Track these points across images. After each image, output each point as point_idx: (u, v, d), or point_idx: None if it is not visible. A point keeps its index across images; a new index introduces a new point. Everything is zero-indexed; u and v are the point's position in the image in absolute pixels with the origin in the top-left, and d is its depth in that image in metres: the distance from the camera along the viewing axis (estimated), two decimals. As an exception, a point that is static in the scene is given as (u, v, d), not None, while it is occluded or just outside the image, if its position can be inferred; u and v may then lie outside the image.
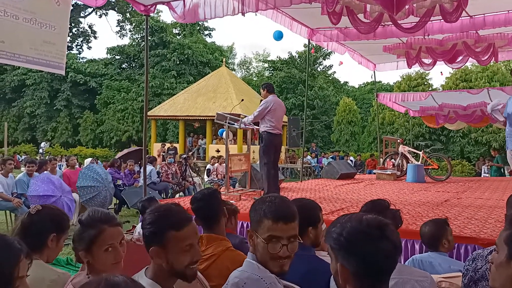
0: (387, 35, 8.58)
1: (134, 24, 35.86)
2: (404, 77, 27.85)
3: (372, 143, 27.51)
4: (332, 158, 21.56)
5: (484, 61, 9.42)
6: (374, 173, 11.96)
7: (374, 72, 12.96)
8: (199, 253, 1.86)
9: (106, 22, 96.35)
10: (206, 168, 13.58)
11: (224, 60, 28.02)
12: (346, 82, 39.54)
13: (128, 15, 38.28)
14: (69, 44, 36.94)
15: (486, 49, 8.93)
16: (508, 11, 7.53)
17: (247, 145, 8.58)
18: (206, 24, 38.61)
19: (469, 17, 7.91)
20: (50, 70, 5.73)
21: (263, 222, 1.88)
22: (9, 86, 34.22)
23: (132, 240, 3.83)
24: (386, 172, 10.93)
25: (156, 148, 22.11)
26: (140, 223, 4.83)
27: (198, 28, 37.92)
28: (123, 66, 36.88)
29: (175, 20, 7.59)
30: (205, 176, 13.27)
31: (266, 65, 39.50)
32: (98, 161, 18.79)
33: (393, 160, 12.07)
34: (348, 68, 65.82)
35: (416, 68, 10.64)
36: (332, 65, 36.72)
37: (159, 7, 7.59)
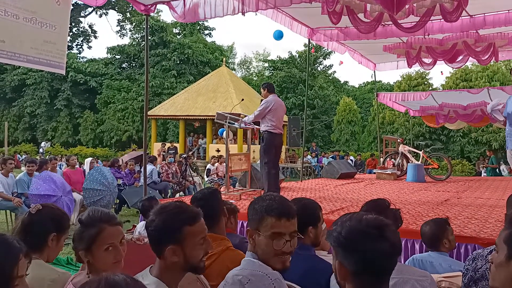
0: (387, 35, 8.58)
1: (134, 23, 35.85)
2: (404, 76, 27.85)
3: (372, 143, 27.51)
4: (332, 157, 21.56)
5: (484, 61, 9.42)
6: (374, 173, 11.96)
7: (374, 71, 12.95)
8: (210, 244, 1.90)
9: (106, 22, 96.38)
10: (206, 168, 13.58)
11: (224, 59, 28.01)
12: (346, 82, 39.55)
13: (128, 14, 38.27)
14: (69, 44, 36.94)
15: (486, 48, 8.93)
16: (508, 10, 7.53)
17: (247, 145, 8.58)
18: (206, 23, 38.65)
19: (469, 17, 7.91)
20: (50, 69, 5.73)
21: (266, 220, 1.91)
22: (10, 86, 34.21)
23: (132, 239, 3.82)
24: (386, 172, 10.93)
25: (156, 147, 22.11)
26: (141, 222, 4.84)
27: (198, 27, 37.91)
28: (123, 65, 36.87)
29: (175, 20, 7.61)
30: (205, 176, 13.27)
31: (266, 64, 39.48)
32: (99, 160, 18.77)
33: (393, 159, 12.05)
34: (348, 67, 65.85)
35: (416, 67, 10.65)
36: (332, 64, 36.75)
37: (159, 6, 7.58)
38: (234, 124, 7.13)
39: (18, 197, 7.36)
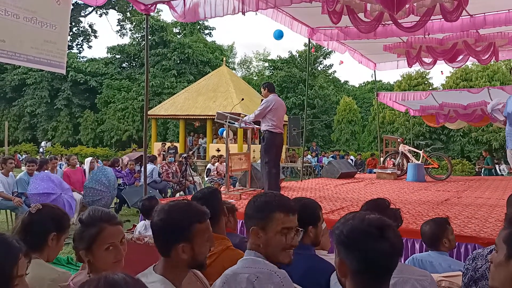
0: (387, 34, 8.58)
1: (134, 23, 35.85)
2: (405, 76, 27.87)
3: (372, 142, 27.51)
4: (332, 157, 21.56)
5: (484, 60, 9.41)
6: (375, 172, 11.96)
7: (375, 71, 12.95)
8: (214, 241, 1.96)
9: (106, 21, 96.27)
10: (206, 167, 13.58)
11: (224, 59, 27.99)
12: (347, 81, 39.59)
13: (128, 14, 38.26)
14: (70, 44, 36.92)
15: (486, 48, 8.93)
16: (508, 10, 7.52)
17: (248, 144, 8.58)
18: (206, 23, 38.65)
19: (469, 16, 7.91)
20: (51, 69, 5.73)
21: (274, 216, 1.95)
22: (10, 86, 34.22)
23: (133, 239, 3.83)
24: (387, 171, 10.93)
25: (156, 147, 22.11)
26: (142, 222, 4.83)
27: (198, 27, 37.91)
28: (124, 65, 36.87)
29: (175, 19, 7.59)
30: (205, 176, 13.27)
31: (266, 64, 39.49)
32: (99, 160, 18.78)
33: (393, 159, 12.06)
34: (349, 67, 65.85)
35: (416, 67, 10.64)
36: (333, 64, 36.71)
37: (159, 6, 7.58)
38: (234, 123, 7.13)
39: (18, 197, 7.37)
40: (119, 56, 36.43)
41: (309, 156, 21.73)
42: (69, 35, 6.41)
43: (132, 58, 36.11)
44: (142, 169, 7.90)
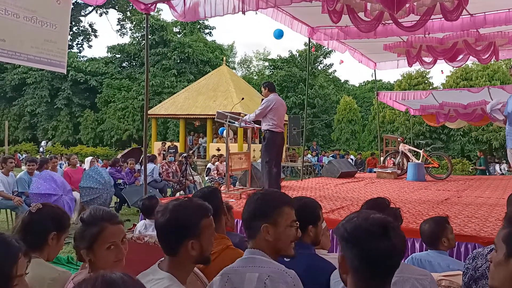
0: (387, 34, 8.58)
1: (134, 22, 35.82)
2: (405, 75, 27.86)
3: (372, 142, 27.51)
4: (332, 156, 21.57)
5: (484, 60, 9.41)
6: (375, 172, 11.96)
7: (375, 70, 12.95)
8: (215, 234, 2.02)
9: (106, 21, 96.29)
10: (206, 167, 13.58)
11: (224, 58, 27.99)
12: (347, 81, 39.61)
13: (128, 13, 38.25)
14: (70, 43, 36.91)
15: (486, 47, 8.93)
16: (508, 9, 7.52)
17: (248, 144, 8.58)
18: (206, 22, 38.62)
19: (469, 16, 7.91)
20: (51, 68, 5.73)
21: (283, 211, 2.00)
22: (10, 85, 34.21)
23: (133, 238, 3.83)
24: (387, 171, 10.93)
25: (156, 146, 22.12)
26: (142, 221, 4.83)
27: (198, 26, 37.88)
28: (124, 64, 36.86)
29: (175, 19, 7.60)
30: (205, 176, 13.28)
31: (266, 63, 39.46)
32: (99, 159, 18.79)
33: (393, 158, 12.05)
34: (349, 66, 65.83)
35: (416, 66, 10.66)
36: (333, 63, 36.67)
37: (159, 5, 7.59)
38: (234, 123, 7.13)
39: (18, 196, 7.37)
40: (119, 56, 36.41)
41: (309, 156, 21.73)
42: (69, 34, 6.40)
43: (132, 58, 36.10)
44: (142, 168, 7.90)
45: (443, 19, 6.91)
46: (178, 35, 35.98)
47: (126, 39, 43.76)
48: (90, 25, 40.66)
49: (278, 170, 6.84)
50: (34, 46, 5.28)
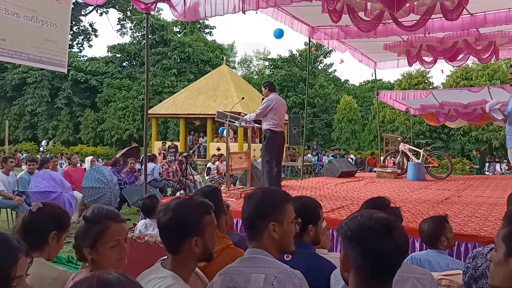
0: (387, 33, 8.57)
1: (134, 22, 35.81)
2: (405, 75, 27.85)
3: (372, 141, 27.51)
4: (332, 156, 21.57)
5: (484, 59, 9.41)
6: (375, 171, 11.96)
7: (375, 70, 12.95)
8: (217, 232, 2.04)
9: (106, 20, 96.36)
10: (207, 166, 13.59)
11: (224, 58, 27.98)
12: (347, 80, 39.57)
13: (128, 13, 38.23)
14: (70, 43, 36.84)
15: (486, 47, 8.93)
16: (509, 9, 7.52)
17: (248, 143, 8.58)
18: (206, 22, 38.61)
19: (469, 15, 7.90)
20: (52, 68, 5.73)
21: (286, 208, 2.01)
22: (10, 85, 34.21)
23: (133, 238, 3.83)
24: (387, 170, 10.93)
25: (157, 146, 22.11)
26: (142, 221, 4.84)
27: (198, 26, 37.87)
28: (124, 64, 36.86)
29: (175, 18, 7.59)
30: (205, 175, 13.28)
31: (266, 63, 39.45)
32: (99, 159, 18.79)
33: (393, 158, 12.05)
34: (349, 66, 65.73)
35: (416, 66, 10.67)
36: (333, 63, 36.64)
37: (159, 5, 7.58)
38: (234, 122, 7.14)
39: (19, 196, 7.37)
40: (119, 55, 36.42)
41: (309, 155, 21.74)
42: (69, 34, 6.40)
43: (132, 57, 36.10)
44: (143, 167, 7.89)
45: (443, 18, 6.91)
46: (178, 35, 35.97)
47: (126, 39, 43.86)
48: (91, 25, 40.74)
49: (278, 170, 6.84)
50: (35, 46, 5.28)
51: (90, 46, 51.54)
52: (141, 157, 10.88)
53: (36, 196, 7.02)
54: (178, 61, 33.15)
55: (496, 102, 6.07)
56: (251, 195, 2.09)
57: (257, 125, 7.40)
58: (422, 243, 3.63)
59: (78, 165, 10.00)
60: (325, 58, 35.61)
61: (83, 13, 39.22)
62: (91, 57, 38.37)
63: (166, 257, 1.98)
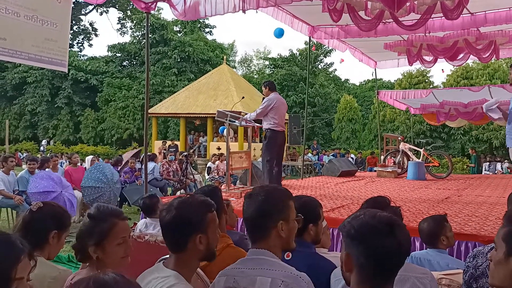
0: (388, 33, 8.57)
1: (135, 21, 35.77)
2: (405, 74, 27.85)
3: (373, 141, 27.50)
4: (333, 155, 21.56)
5: (485, 59, 9.41)
6: (375, 171, 11.96)
7: (375, 69, 12.94)
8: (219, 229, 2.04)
9: (107, 20, 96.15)
10: (207, 166, 13.59)
11: (225, 57, 27.98)
12: (347, 80, 39.58)
13: (129, 12, 38.21)
14: (70, 42, 36.76)
15: (487, 46, 8.92)
16: (509, 8, 7.51)
17: (248, 143, 8.58)
18: (206, 21, 38.57)
19: (470, 15, 7.90)
20: (52, 67, 5.73)
21: (290, 205, 2.01)
22: (10, 84, 34.21)
23: (133, 237, 3.84)
24: (387, 170, 10.93)
25: (157, 145, 22.12)
26: (142, 220, 4.84)
27: (199, 25, 37.86)
28: (124, 63, 36.83)
29: (176, 18, 7.59)
30: (206, 174, 13.29)
31: (267, 62, 39.44)
32: (100, 158, 18.79)
33: (393, 157, 12.05)
34: (349, 65, 65.70)
35: (417, 65, 10.66)
36: (333, 62, 36.64)
37: (159, 4, 7.58)
38: (234, 122, 7.14)
39: (19, 195, 7.38)
40: (119, 55, 36.39)
41: (309, 155, 21.73)
42: (69, 33, 6.40)
43: (132, 57, 36.08)
44: (143, 167, 7.89)
45: (443, 18, 6.91)
46: (178, 34, 35.96)
47: (126, 38, 43.92)
48: (91, 24, 40.70)
49: (279, 169, 6.85)
50: (35, 45, 5.28)
51: (90, 45, 51.69)
52: (142, 157, 10.89)
53: (35, 196, 7.00)
54: (178, 60, 33.14)
55: (495, 101, 6.06)
56: (252, 194, 2.06)
57: (257, 125, 7.40)
58: (422, 242, 3.63)
59: (79, 164, 10.00)
60: (326, 57, 35.65)
61: (83, 12, 39.21)
62: (91, 57, 38.40)
63: (166, 256, 1.98)
